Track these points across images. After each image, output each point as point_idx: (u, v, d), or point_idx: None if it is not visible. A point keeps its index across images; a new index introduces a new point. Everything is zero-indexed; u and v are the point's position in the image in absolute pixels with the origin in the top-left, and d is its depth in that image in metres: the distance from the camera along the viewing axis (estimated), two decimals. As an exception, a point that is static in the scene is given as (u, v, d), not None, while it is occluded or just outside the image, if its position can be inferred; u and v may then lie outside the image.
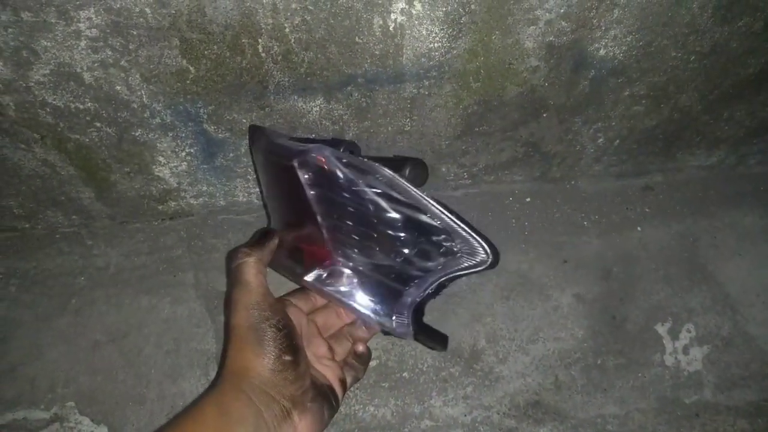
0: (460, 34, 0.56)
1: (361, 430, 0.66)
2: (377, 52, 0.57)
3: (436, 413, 0.67)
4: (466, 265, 0.51)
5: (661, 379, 0.70)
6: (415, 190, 0.48)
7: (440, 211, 0.48)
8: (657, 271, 0.78)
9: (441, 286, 0.54)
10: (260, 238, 0.54)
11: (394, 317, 0.55)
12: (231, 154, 0.67)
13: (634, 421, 0.68)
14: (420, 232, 0.51)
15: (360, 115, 0.65)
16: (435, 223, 0.49)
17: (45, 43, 0.51)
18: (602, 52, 0.62)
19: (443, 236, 0.50)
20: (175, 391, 0.67)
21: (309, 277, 0.58)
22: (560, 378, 0.70)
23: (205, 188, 0.73)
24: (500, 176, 0.81)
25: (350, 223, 0.53)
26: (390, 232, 0.51)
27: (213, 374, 0.68)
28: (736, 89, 0.72)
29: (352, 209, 0.52)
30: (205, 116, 0.62)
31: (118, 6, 0.49)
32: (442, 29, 0.55)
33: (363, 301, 0.57)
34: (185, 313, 0.72)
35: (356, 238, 0.54)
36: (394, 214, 0.50)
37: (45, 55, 0.52)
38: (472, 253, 0.50)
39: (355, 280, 0.57)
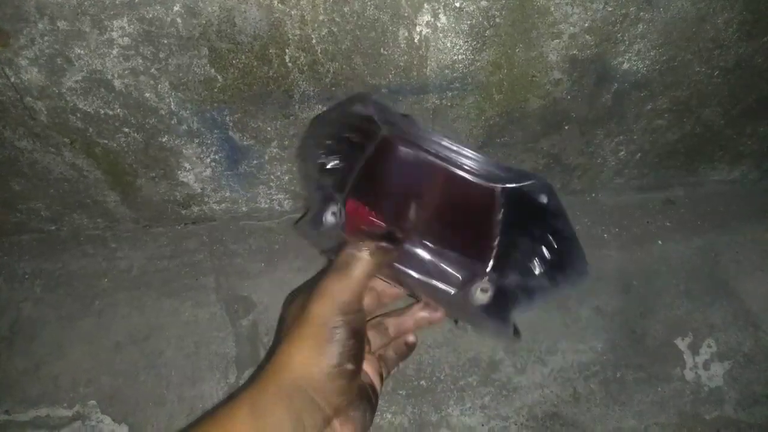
0: (484, 47, 0.57)
1: (378, 438, 0.66)
2: (402, 64, 0.57)
3: (453, 422, 0.67)
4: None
5: (681, 394, 0.70)
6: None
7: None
8: (678, 285, 0.77)
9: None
10: (390, 243, 0.49)
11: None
12: (255, 162, 0.68)
13: (653, 436, 0.67)
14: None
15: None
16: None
17: (78, 50, 0.53)
18: (626, 66, 0.62)
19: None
20: (195, 394, 0.68)
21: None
22: (579, 390, 0.69)
23: (228, 194, 0.74)
24: (520, 187, 0.81)
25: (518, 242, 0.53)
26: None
27: (232, 378, 0.69)
28: (760, 104, 0.71)
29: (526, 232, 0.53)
30: (231, 124, 0.63)
31: (150, 16, 0.50)
32: (467, 42, 0.56)
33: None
34: (206, 317, 0.73)
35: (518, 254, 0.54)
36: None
37: (78, 62, 0.54)
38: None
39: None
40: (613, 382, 0.70)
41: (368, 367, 0.51)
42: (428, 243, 0.52)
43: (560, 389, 0.69)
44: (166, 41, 0.53)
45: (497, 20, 0.54)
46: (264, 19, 0.52)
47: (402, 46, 0.56)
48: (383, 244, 0.48)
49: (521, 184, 0.52)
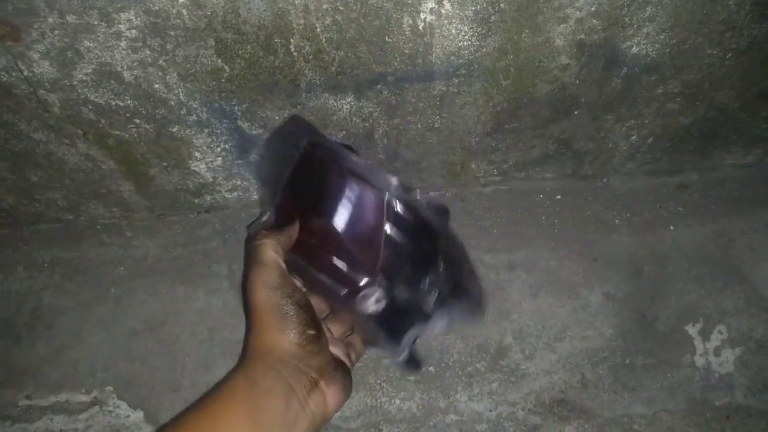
0: (490, 33, 0.57)
1: (387, 423, 0.67)
2: (407, 51, 0.57)
3: (461, 408, 0.68)
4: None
5: (691, 381, 0.69)
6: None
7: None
8: (689, 271, 0.77)
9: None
10: (281, 225, 0.56)
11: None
12: (264, 150, 0.69)
13: (662, 422, 0.67)
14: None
15: (390, 113, 0.65)
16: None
17: (88, 43, 0.54)
18: (635, 49, 0.61)
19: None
20: (209, 380, 0.69)
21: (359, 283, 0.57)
22: (587, 376, 0.69)
23: (239, 182, 0.75)
24: (531, 173, 0.81)
25: (408, 255, 0.57)
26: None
27: (245, 363, 0.70)
28: (775, 87, 0.70)
29: (415, 247, 0.57)
30: (240, 113, 0.63)
31: (156, 8, 0.51)
32: (472, 28, 0.56)
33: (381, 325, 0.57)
34: (219, 304, 0.74)
35: (409, 268, 0.57)
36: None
37: (88, 55, 0.55)
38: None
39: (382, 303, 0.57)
40: (622, 368, 0.70)
41: (335, 350, 0.55)
42: (328, 243, 0.56)
43: (568, 375, 0.69)
44: (172, 33, 0.53)
45: (502, 5, 0.54)
46: (268, 9, 0.52)
47: (407, 33, 0.56)
48: (276, 225, 0.55)
49: (407, 199, 0.56)
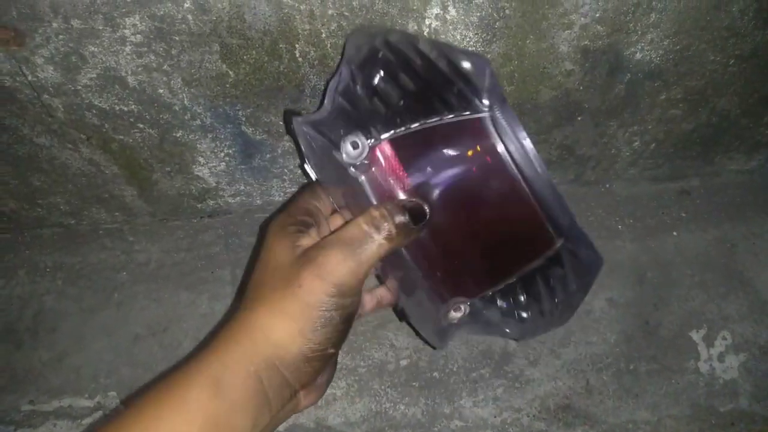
0: (494, 39, 0.57)
1: (392, 429, 0.67)
2: (412, 57, 0.58)
3: (466, 414, 0.67)
4: None
5: (695, 387, 0.69)
6: None
7: None
8: (692, 276, 0.77)
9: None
10: (415, 221, 0.42)
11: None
12: (268, 155, 0.69)
13: (666, 428, 0.67)
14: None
15: (394, 118, 0.65)
16: None
17: (92, 48, 0.54)
18: (638, 56, 0.62)
19: None
20: (211, 385, 0.69)
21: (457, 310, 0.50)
22: (591, 382, 0.69)
23: (242, 188, 0.75)
24: (533, 179, 0.81)
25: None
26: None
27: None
28: (778, 93, 0.70)
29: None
30: (244, 118, 0.63)
31: (161, 13, 0.51)
32: (477, 34, 0.56)
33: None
34: (222, 309, 0.74)
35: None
36: None
37: (92, 59, 0.55)
38: None
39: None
40: (626, 374, 0.70)
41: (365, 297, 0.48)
42: (448, 246, 0.47)
43: (573, 381, 0.69)
44: (177, 38, 0.53)
45: (507, 12, 0.54)
46: (273, 15, 0.52)
47: (411, 39, 0.56)
48: (408, 223, 0.41)
49: (580, 251, 0.50)
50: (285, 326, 0.38)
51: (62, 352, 0.71)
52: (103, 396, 0.69)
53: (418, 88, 0.45)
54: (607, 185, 0.84)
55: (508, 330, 0.53)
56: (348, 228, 0.41)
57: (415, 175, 0.45)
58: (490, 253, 0.49)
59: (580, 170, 0.80)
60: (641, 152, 0.77)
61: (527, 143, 0.46)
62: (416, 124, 0.44)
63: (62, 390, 0.69)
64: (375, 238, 0.39)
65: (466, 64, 0.45)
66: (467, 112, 0.45)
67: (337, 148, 0.43)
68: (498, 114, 0.46)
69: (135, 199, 0.75)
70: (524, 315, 0.51)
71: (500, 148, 0.46)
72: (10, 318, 0.74)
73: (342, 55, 0.47)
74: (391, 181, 0.44)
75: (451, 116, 0.44)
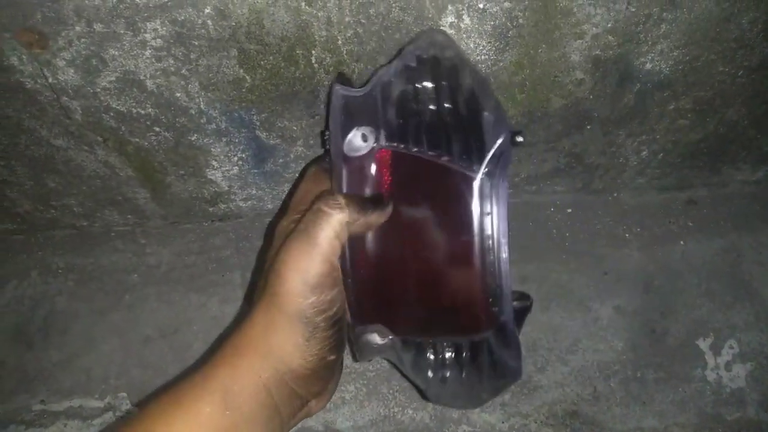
0: (507, 47, 0.58)
1: (400, 433, 0.67)
2: (426, 64, 0.58)
3: (473, 419, 0.68)
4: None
5: (702, 395, 0.70)
6: None
7: None
8: (699, 285, 0.77)
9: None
10: (369, 199, 0.42)
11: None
12: (281, 160, 0.70)
13: (674, 436, 0.67)
14: None
15: (406, 125, 0.66)
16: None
17: (113, 52, 0.54)
18: (648, 66, 0.62)
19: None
20: (221, 387, 0.69)
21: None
22: (599, 389, 0.70)
23: (254, 192, 0.75)
24: (542, 187, 0.81)
25: None
26: None
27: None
28: (786, 104, 0.71)
29: None
30: (258, 123, 0.64)
31: (182, 18, 0.52)
32: (490, 42, 0.57)
33: None
34: (232, 312, 0.74)
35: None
36: None
37: (112, 63, 0.56)
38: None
39: None
40: (634, 381, 0.70)
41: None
42: (387, 273, 0.46)
43: (580, 388, 0.70)
44: (196, 42, 0.54)
45: (520, 21, 0.55)
46: (291, 21, 0.53)
47: (426, 47, 0.57)
48: (361, 197, 0.41)
49: (504, 352, 0.48)
50: (281, 340, 0.38)
51: (73, 353, 0.72)
52: (113, 397, 0.69)
53: (434, 117, 0.46)
54: (615, 194, 0.84)
55: (422, 385, 0.51)
56: (307, 213, 0.40)
57: (394, 194, 0.45)
58: (423, 302, 0.47)
59: (588, 179, 0.81)
60: (649, 161, 0.78)
61: (503, 225, 0.45)
62: (416, 149, 0.45)
63: (73, 390, 0.70)
64: (328, 212, 0.38)
65: (489, 117, 0.44)
66: (462, 164, 0.44)
67: (347, 132, 0.44)
68: (487, 183, 0.44)
69: (148, 201, 0.75)
70: (447, 374, 0.50)
71: (476, 213, 0.44)
72: (22, 318, 0.75)
73: (407, 45, 0.47)
74: (367, 190, 0.45)
75: (446, 158, 0.44)
